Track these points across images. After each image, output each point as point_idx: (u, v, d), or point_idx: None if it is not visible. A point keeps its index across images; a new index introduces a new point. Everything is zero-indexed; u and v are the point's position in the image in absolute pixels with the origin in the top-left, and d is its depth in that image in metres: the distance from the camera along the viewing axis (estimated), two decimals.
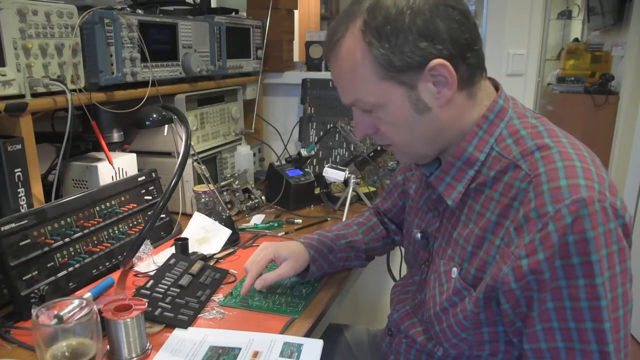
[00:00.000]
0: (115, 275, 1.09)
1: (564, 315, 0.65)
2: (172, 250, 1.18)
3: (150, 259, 1.16)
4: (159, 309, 0.93)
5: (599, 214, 0.63)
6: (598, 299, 0.64)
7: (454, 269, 0.78)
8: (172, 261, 1.09)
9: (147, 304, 0.85)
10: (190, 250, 1.20)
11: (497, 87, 0.82)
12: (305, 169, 1.66)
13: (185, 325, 0.92)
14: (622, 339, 0.66)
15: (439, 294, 0.81)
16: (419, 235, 0.90)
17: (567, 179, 0.66)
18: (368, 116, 0.79)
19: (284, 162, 1.68)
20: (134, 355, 0.82)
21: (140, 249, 1.11)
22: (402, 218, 1.09)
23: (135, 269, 1.13)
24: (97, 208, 1.12)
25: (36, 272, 0.95)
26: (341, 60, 0.76)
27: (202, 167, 1.34)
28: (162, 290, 0.98)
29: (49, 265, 0.98)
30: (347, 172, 1.50)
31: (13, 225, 0.92)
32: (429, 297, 0.84)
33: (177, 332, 0.90)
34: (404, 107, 0.75)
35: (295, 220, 1.48)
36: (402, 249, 1.28)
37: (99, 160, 1.24)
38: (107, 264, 1.11)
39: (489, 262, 0.73)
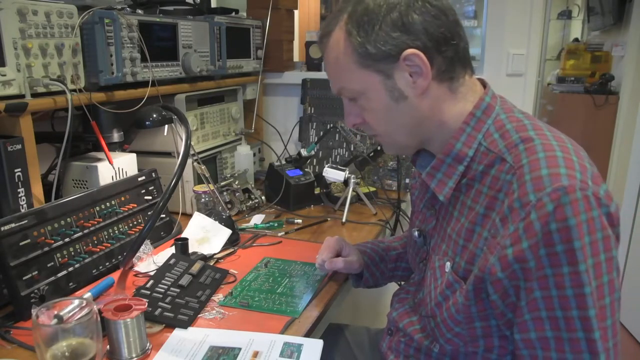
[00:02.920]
0: (115, 275, 1.09)
1: (551, 304, 0.66)
2: (172, 250, 1.18)
3: (150, 259, 1.16)
4: (159, 309, 0.93)
5: (581, 202, 0.64)
6: (582, 286, 0.64)
7: (447, 263, 0.80)
8: (172, 261, 1.09)
9: (147, 304, 0.85)
10: (190, 250, 1.20)
11: (484, 86, 0.84)
12: (305, 169, 1.66)
13: (185, 325, 0.92)
14: (609, 327, 0.66)
15: (434, 289, 0.83)
16: (416, 233, 0.92)
17: (548, 168, 0.67)
18: (354, 105, 0.84)
19: (284, 162, 1.68)
20: (134, 355, 0.82)
21: (140, 249, 1.11)
22: None
23: (135, 269, 1.13)
24: (97, 208, 1.12)
25: (36, 272, 0.95)
26: (329, 50, 0.82)
27: (202, 167, 1.34)
28: (162, 290, 0.98)
29: (49, 265, 0.98)
30: (347, 172, 1.50)
31: (13, 225, 0.92)
32: (426, 293, 0.86)
33: (177, 332, 0.90)
34: (381, 94, 0.79)
35: (295, 220, 1.48)
36: None
37: (99, 160, 1.24)
38: (107, 264, 1.11)
39: (477, 254, 0.74)
